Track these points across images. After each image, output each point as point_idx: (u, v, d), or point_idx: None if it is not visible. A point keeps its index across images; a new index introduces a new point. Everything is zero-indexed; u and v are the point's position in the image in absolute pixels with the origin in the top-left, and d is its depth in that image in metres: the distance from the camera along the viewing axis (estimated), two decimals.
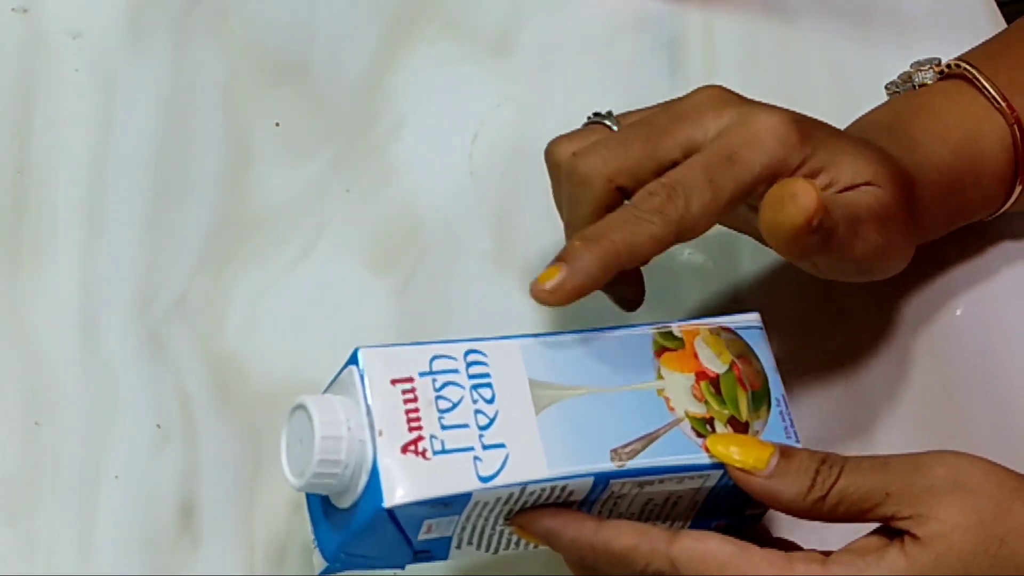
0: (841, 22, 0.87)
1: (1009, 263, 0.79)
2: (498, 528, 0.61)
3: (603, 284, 0.64)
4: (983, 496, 0.59)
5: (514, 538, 0.62)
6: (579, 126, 0.70)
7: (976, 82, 0.73)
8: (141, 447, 0.72)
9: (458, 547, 0.61)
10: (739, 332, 0.65)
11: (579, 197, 0.66)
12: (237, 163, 0.81)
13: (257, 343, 0.75)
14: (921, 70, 0.76)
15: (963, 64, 0.74)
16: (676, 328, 0.65)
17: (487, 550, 0.62)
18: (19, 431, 0.72)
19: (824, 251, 0.64)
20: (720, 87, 0.67)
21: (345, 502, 0.60)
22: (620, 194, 0.66)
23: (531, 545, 0.62)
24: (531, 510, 0.61)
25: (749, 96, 0.67)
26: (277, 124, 0.82)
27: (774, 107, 0.67)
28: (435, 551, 0.61)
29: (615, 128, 0.68)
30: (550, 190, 0.70)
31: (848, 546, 0.60)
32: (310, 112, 0.83)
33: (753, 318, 0.66)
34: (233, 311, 0.76)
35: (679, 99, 0.67)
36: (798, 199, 0.61)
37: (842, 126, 0.78)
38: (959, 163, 0.72)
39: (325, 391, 0.62)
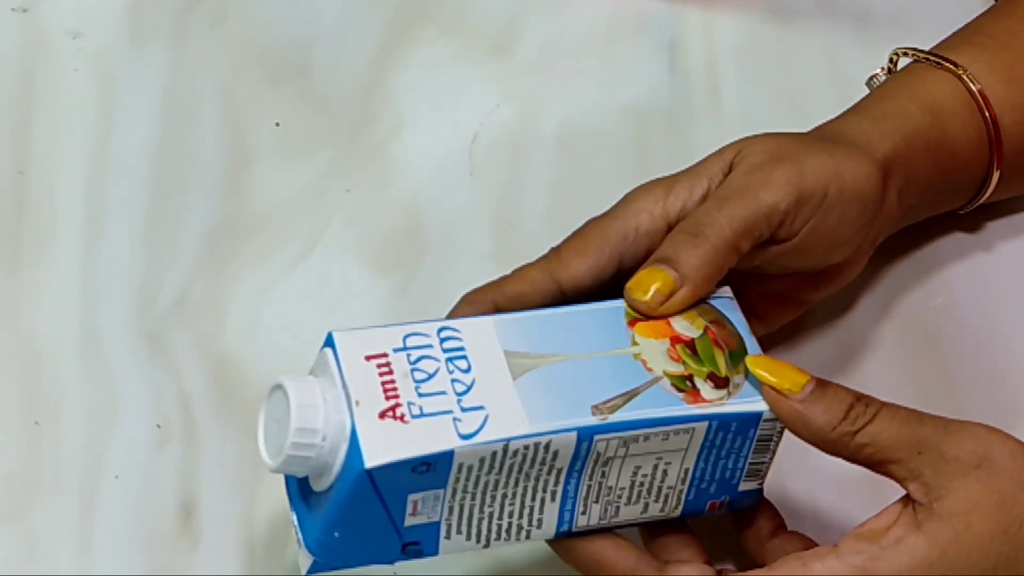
0: (841, 22, 0.87)
1: (998, 250, 0.79)
2: (487, 510, 0.61)
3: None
4: (1007, 476, 0.59)
5: (505, 526, 0.62)
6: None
7: (917, 57, 0.74)
8: (141, 447, 0.72)
9: (447, 537, 0.61)
10: (711, 302, 0.65)
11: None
12: (237, 163, 0.81)
13: (257, 343, 0.75)
14: (875, 77, 0.77)
15: (903, 50, 0.75)
16: None
17: (478, 541, 0.62)
18: (19, 431, 0.72)
19: (747, 239, 0.65)
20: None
21: (325, 481, 0.60)
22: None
23: (522, 538, 0.62)
24: (588, 536, 0.61)
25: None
26: (277, 124, 0.82)
27: None
28: (424, 543, 0.61)
29: None
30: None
31: (859, 531, 0.60)
32: (310, 112, 0.83)
33: (724, 291, 0.66)
34: (233, 311, 0.76)
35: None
36: (635, 296, 0.64)
37: None
38: (898, 100, 0.72)
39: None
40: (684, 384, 0.62)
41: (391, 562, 0.61)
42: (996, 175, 0.74)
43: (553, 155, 0.82)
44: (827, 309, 0.76)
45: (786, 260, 0.67)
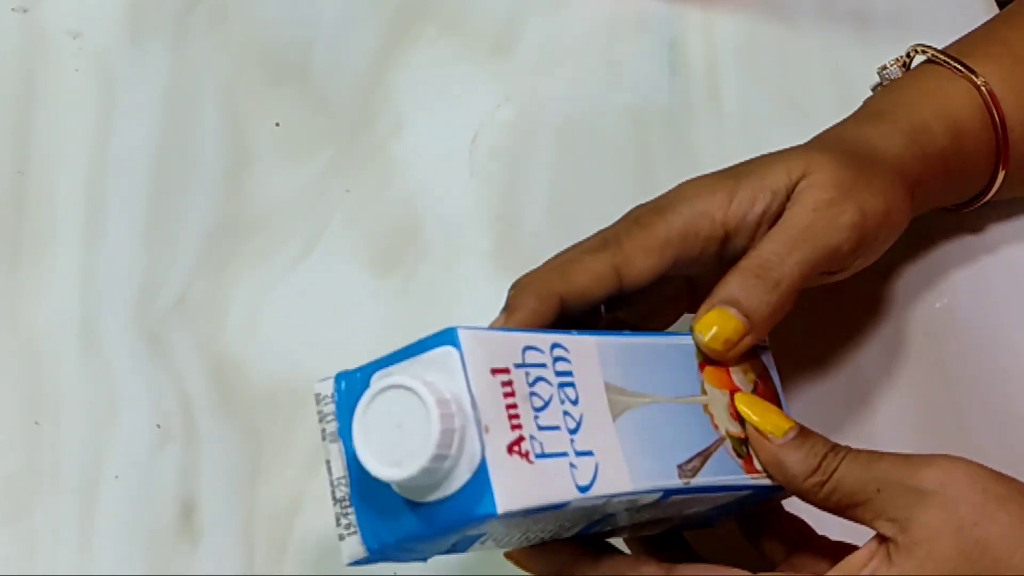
0: (841, 22, 0.87)
1: (1001, 252, 0.79)
2: (534, 527, 0.58)
3: (546, 321, 0.63)
4: (965, 502, 0.59)
5: (535, 538, 0.60)
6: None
7: (936, 59, 0.74)
8: (141, 447, 0.72)
9: (482, 544, 0.59)
10: (758, 353, 0.66)
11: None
12: (237, 163, 0.81)
13: (257, 343, 0.75)
14: (887, 69, 0.76)
15: (921, 47, 0.75)
16: None
17: (506, 545, 0.61)
18: (19, 431, 0.72)
19: (803, 282, 0.65)
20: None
21: (427, 495, 0.54)
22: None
23: (543, 538, 0.61)
24: (533, 548, 0.61)
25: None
26: (277, 124, 0.82)
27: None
28: (460, 547, 0.58)
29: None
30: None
31: (835, 571, 0.61)
32: (310, 112, 0.83)
33: (765, 342, 0.66)
34: (233, 311, 0.76)
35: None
36: (706, 341, 0.64)
37: None
38: (924, 114, 0.72)
39: (400, 362, 0.56)
40: (742, 449, 0.63)
41: (424, 560, 0.58)
42: (1001, 174, 0.74)
43: (553, 155, 0.82)
44: (829, 309, 0.76)
45: (819, 279, 0.68)
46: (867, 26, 0.87)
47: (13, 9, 0.84)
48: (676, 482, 0.60)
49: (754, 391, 0.64)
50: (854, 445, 0.61)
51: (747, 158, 0.69)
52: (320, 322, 0.76)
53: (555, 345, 0.58)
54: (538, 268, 0.65)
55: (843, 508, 0.61)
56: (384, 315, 0.76)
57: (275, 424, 0.73)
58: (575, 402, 0.57)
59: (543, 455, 0.55)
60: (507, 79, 0.84)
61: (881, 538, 0.60)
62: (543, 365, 0.57)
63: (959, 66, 0.74)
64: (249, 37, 0.85)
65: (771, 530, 0.66)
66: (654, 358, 0.62)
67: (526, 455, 0.55)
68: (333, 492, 0.57)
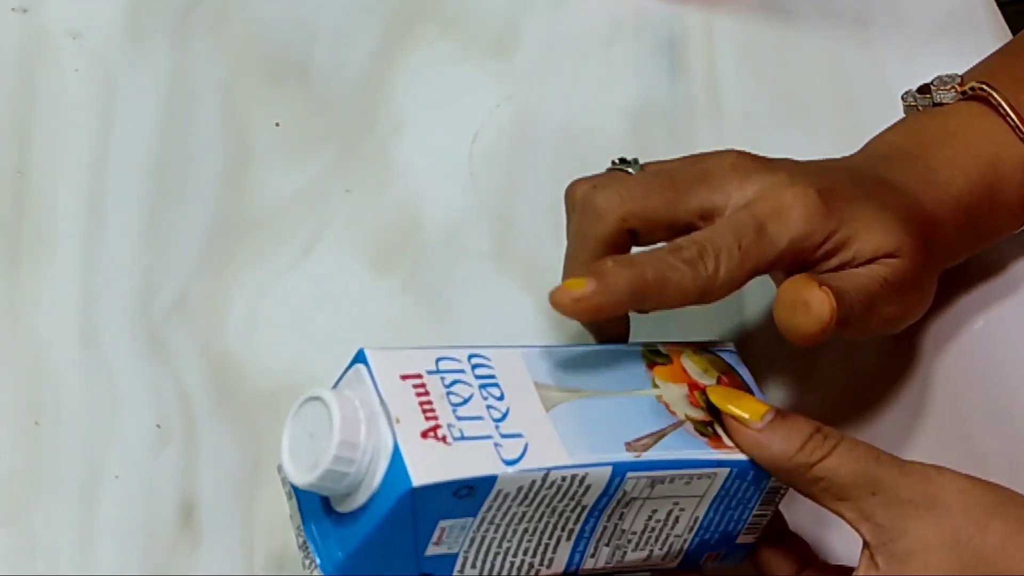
0: (841, 22, 0.87)
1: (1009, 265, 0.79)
2: (505, 545, 0.60)
3: (622, 311, 0.65)
4: (959, 514, 0.59)
5: (518, 563, 0.61)
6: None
7: (999, 108, 0.73)
8: (141, 447, 0.72)
9: (461, 570, 0.60)
10: (718, 353, 0.66)
11: (588, 229, 0.66)
12: (237, 163, 0.81)
13: (257, 343, 0.75)
14: (942, 88, 0.75)
15: (986, 88, 0.73)
16: (662, 346, 0.65)
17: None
18: (19, 431, 0.72)
19: (838, 335, 0.65)
20: (745, 154, 0.67)
21: (355, 501, 0.58)
22: (629, 237, 0.66)
23: (535, 564, 0.62)
24: None
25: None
26: (277, 124, 0.82)
27: (798, 173, 0.66)
28: (437, 570, 0.60)
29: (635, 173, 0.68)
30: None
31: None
32: (310, 112, 0.83)
33: (729, 346, 0.67)
34: (233, 311, 0.76)
35: (703, 156, 0.67)
36: (812, 309, 0.63)
37: (841, 125, 0.78)
38: (977, 193, 0.72)
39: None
40: (706, 429, 0.62)
41: None
42: None
43: (553, 155, 0.82)
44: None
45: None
46: (867, 26, 0.87)
47: (13, 9, 0.84)
48: (625, 456, 0.60)
49: (717, 383, 0.64)
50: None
51: None
52: (320, 322, 0.76)
53: (473, 355, 0.61)
54: (647, 256, 0.64)
55: (827, 499, 0.61)
56: (384, 315, 0.76)
57: (275, 424, 0.72)
58: (500, 398, 0.60)
59: (462, 438, 0.58)
60: (507, 79, 0.84)
61: (864, 544, 0.60)
62: (460, 371, 0.60)
63: (1021, 126, 0.72)
64: (249, 37, 0.85)
65: (777, 555, 0.66)
66: (594, 361, 0.63)
67: (443, 439, 0.57)
68: (297, 543, 0.60)
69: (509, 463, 0.58)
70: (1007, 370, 0.76)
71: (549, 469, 0.58)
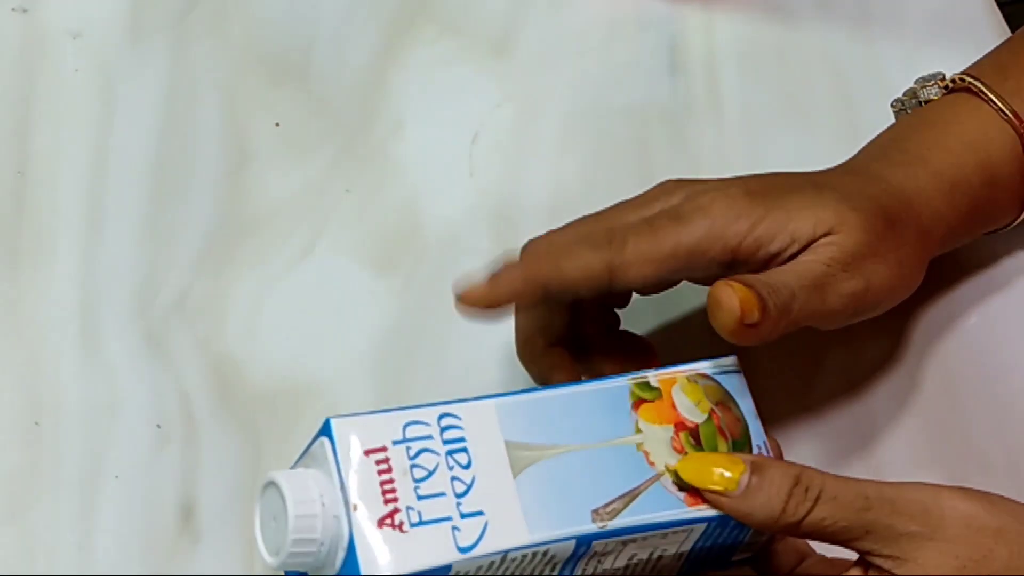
0: (841, 22, 0.87)
1: (1010, 268, 0.79)
2: None
3: (527, 301, 0.66)
4: (962, 543, 0.59)
5: None
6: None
7: (982, 94, 0.73)
8: (141, 447, 0.72)
9: None
10: (717, 378, 0.65)
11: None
12: (237, 163, 0.81)
13: (257, 343, 0.75)
14: (926, 86, 0.75)
15: (967, 78, 0.73)
16: (653, 378, 0.64)
17: None
18: (19, 431, 0.72)
19: (795, 325, 0.65)
20: (675, 180, 0.68)
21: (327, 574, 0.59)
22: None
23: None
24: None
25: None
26: (277, 124, 0.82)
27: (728, 182, 0.67)
28: None
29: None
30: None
31: None
32: (310, 112, 0.83)
33: (730, 362, 0.66)
34: (233, 311, 0.76)
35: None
36: (722, 304, 0.62)
37: (841, 125, 0.78)
38: (963, 166, 0.71)
39: (296, 463, 0.61)
40: (684, 483, 0.61)
41: None
42: None
43: (553, 155, 0.82)
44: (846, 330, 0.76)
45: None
46: (867, 26, 0.87)
47: (13, 9, 0.84)
48: (589, 527, 0.59)
49: (708, 419, 0.63)
50: (858, 461, 0.61)
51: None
52: (320, 322, 0.76)
53: (444, 415, 0.60)
54: (538, 243, 0.66)
55: (822, 541, 0.60)
56: (384, 315, 0.76)
57: (275, 424, 0.73)
58: (466, 466, 0.59)
59: (420, 523, 0.58)
60: (507, 79, 0.84)
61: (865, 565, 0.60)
62: (428, 437, 0.59)
63: (1004, 109, 0.72)
64: (249, 37, 0.85)
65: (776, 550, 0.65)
66: (573, 407, 0.62)
67: (399, 526, 0.58)
68: None
69: (463, 550, 0.58)
70: (1005, 366, 0.76)
71: (507, 551, 0.58)
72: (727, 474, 0.60)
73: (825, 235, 0.66)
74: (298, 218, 0.79)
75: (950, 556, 0.59)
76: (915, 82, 0.76)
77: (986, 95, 0.73)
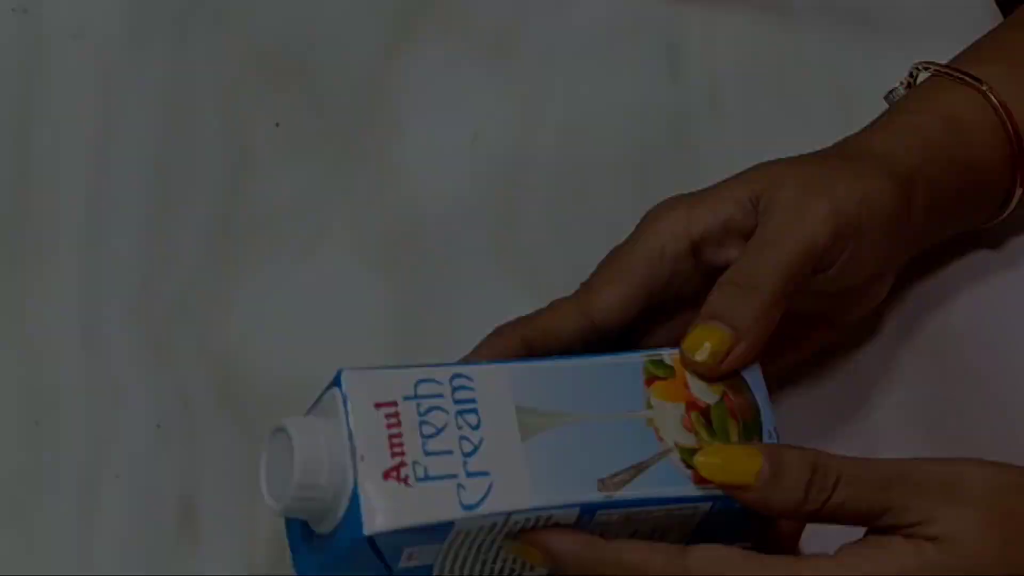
0: (841, 22, 0.87)
1: (1009, 266, 0.79)
2: (481, 556, 0.60)
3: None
4: (985, 502, 0.59)
5: (498, 569, 0.61)
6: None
7: (951, 74, 0.73)
8: (141, 447, 0.72)
9: (440, 574, 0.60)
10: None
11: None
12: (237, 164, 0.81)
13: (258, 343, 0.75)
14: (893, 90, 0.76)
15: (932, 64, 0.74)
16: (668, 356, 0.64)
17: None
18: (19, 431, 0.72)
19: (790, 296, 0.65)
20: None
21: (325, 527, 0.59)
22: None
23: (516, 570, 0.62)
24: (535, 530, 0.60)
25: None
26: (277, 124, 0.82)
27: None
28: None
29: None
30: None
31: (857, 542, 0.59)
32: (310, 113, 0.83)
33: None
34: (234, 311, 0.76)
35: None
36: (695, 356, 0.63)
37: (841, 125, 0.78)
38: (935, 128, 0.71)
39: (308, 412, 0.61)
40: (692, 460, 0.61)
41: None
42: (1020, 191, 0.74)
43: (553, 155, 0.82)
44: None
45: (818, 284, 0.67)
46: (867, 26, 0.87)
47: (13, 9, 0.84)
48: (594, 496, 0.59)
49: (720, 401, 0.63)
50: (855, 438, 0.60)
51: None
52: (321, 322, 0.76)
53: (457, 375, 0.60)
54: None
55: (851, 524, 0.60)
56: (384, 315, 0.76)
57: (275, 424, 0.73)
58: (475, 427, 0.59)
59: (425, 479, 0.58)
60: (507, 79, 0.84)
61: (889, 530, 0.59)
62: (439, 396, 0.60)
63: (961, 74, 0.73)
64: (249, 37, 0.85)
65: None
66: (586, 378, 0.62)
67: (404, 480, 0.58)
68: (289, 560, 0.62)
69: (468, 507, 0.58)
70: (1003, 364, 0.76)
71: (510, 513, 0.58)
72: (744, 468, 0.60)
73: (767, 188, 0.66)
74: (298, 219, 0.79)
75: (976, 513, 0.58)
76: (884, 98, 0.77)
77: (942, 69, 0.73)
